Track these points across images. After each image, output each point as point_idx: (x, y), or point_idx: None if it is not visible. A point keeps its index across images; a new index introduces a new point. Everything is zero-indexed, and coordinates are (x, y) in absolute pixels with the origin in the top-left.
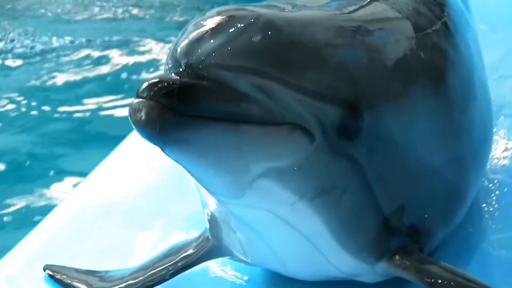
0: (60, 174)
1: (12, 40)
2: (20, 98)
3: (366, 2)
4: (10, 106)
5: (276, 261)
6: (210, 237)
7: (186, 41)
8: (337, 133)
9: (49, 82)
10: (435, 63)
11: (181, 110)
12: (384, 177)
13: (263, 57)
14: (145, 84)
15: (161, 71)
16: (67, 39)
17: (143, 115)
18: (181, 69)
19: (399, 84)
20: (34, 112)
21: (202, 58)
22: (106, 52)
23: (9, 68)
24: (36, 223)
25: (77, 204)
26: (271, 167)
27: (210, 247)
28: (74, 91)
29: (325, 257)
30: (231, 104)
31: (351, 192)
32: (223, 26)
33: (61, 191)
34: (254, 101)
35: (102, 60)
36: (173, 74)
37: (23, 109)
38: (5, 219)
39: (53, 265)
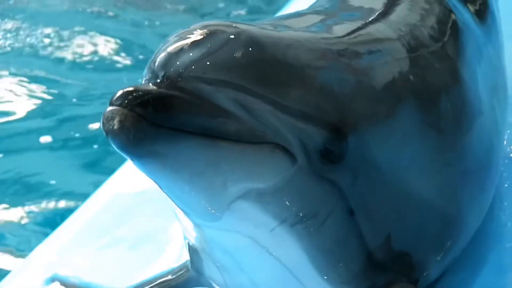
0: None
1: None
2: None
3: (359, 22)
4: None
5: None
6: (190, 267)
7: (166, 52)
8: (320, 156)
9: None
10: (427, 87)
11: (157, 121)
12: (369, 205)
13: (244, 72)
14: (120, 92)
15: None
16: None
17: (116, 123)
18: (158, 80)
19: (386, 108)
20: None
21: (181, 70)
22: None
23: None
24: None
25: (113, 191)
26: (250, 188)
27: (189, 277)
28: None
29: None
30: (209, 118)
31: (334, 219)
32: (205, 39)
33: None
34: (234, 117)
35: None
36: (150, 85)
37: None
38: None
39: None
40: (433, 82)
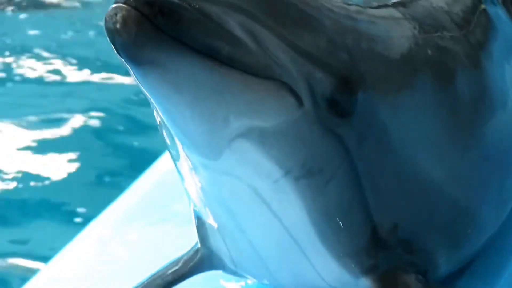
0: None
1: None
2: None
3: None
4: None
5: (260, 266)
6: (199, 245)
7: None
8: (327, 104)
9: None
10: (448, 68)
11: (162, 26)
12: (376, 174)
13: (259, 1)
14: None
15: None
16: None
17: (118, 20)
18: None
19: (402, 76)
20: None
21: None
22: None
23: None
24: None
25: (167, 166)
26: (253, 126)
27: (200, 258)
28: None
29: (307, 257)
30: (217, 40)
31: (339, 181)
32: None
33: None
34: (243, 45)
35: None
36: None
37: None
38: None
39: None
40: (456, 65)
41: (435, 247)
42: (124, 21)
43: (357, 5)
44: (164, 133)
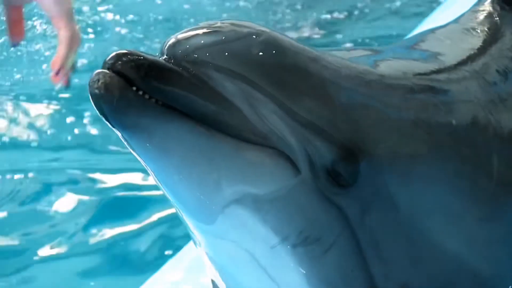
0: None
1: None
2: None
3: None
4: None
5: None
6: None
7: (179, 36)
8: (326, 174)
9: None
10: (469, 136)
11: (147, 90)
12: (380, 243)
13: (258, 68)
14: (113, 54)
15: None
16: None
17: (100, 85)
18: (163, 57)
19: (407, 142)
20: None
21: (189, 51)
22: None
23: None
24: None
25: None
26: (247, 193)
27: None
28: None
29: None
30: (208, 104)
31: (338, 250)
32: (223, 30)
33: None
34: (236, 110)
35: None
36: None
37: None
38: None
39: None
40: (478, 136)
41: None
42: (106, 87)
43: (363, 64)
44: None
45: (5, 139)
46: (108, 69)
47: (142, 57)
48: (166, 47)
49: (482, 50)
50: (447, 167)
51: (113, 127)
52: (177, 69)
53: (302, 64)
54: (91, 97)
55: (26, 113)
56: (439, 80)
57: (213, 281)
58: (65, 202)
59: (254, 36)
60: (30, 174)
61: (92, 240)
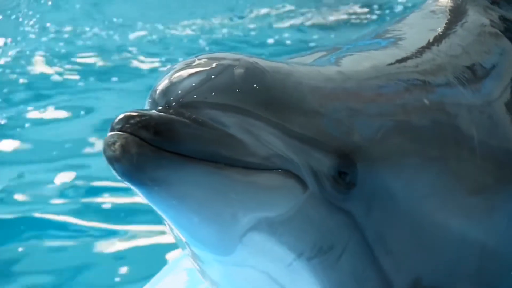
0: None
1: None
2: None
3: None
4: None
5: None
6: None
7: (166, 80)
8: (330, 182)
9: None
10: (452, 129)
11: (159, 145)
12: (386, 238)
13: (246, 96)
14: (121, 116)
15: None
16: None
17: (117, 148)
18: (160, 107)
19: (398, 138)
20: None
21: (182, 95)
22: None
23: None
24: None
25: None
26: (262, 218)
27: None
28: None
29: None
30: (214, 143)
31: (350, 253)
32: (205, 67)
33: None
34: (239, 142)
35: None
36: (152, 111)
37: None
38: None
39: None
40: (460, 129)
41: None
42: (123, 149)
43: (337, 68)
44: (173, 234)
45: None
46: (119, 131)
47: (148, 116)
48: (158, 95)
49: (450, 32)
50: (433, 151)
51: (132, 185)
52: (180, 119)
53: (284, 82)
54: (109, 159)
55: None
56: (414, 72)
57: None
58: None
59: (233, 66)
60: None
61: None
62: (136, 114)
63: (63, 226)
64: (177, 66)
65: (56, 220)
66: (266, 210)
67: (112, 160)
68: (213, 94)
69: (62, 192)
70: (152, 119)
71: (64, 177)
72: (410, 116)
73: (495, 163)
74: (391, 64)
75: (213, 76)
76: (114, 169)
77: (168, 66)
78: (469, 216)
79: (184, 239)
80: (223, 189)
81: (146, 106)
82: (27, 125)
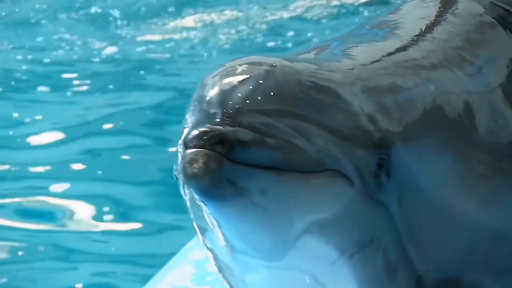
0: None
1: None
2: None
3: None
4: None
5: None
6: None
7: (216, 90)
8: (372, 176)
9: None
10: (480, 119)
11: (236, 158)
12: (414, 227)
13: (295, 100)
14: (194, 133)
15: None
16: None
17: (200, 165)
18: (218, 118)
19: (424, 126)
20: None
21: (239, 105)
22: None
23: None
24: None
25: None
26: (315, 220)
27: None
28: None
29: None
30: (275, 150)
31: (385, 246)
32: (248, 74)
33: None
34: (295, 147)
35: None
36: (216, 121)
37: None
38: None
39: None
40: (488, 119)
41: (478, 280)
42: (207, 165)
43: (374, 63)
44: (208, 245)
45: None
46: (195, 147)
47: (218, 131)
48: (211, 106)
49: (450, 21)
50: (452, 133)
51: (211, 201)
52: (248, 131)
53: (321, 81)
54: (190, 177)
55: None
56: (432, 63)
57: None
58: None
59: (274, 71)
60: None
61: None
62: (208, 129)
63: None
64: (220, 74)
65: None
66: (320, 212)
67: (193, 178)
68: (264, 101)
69: None
70: (225, 133)
71: None
72: (431, 103)
73: (507, 148)
74: (409, 55)
75: (260, 83)
76: (193, 186)
77: (210, 75)
78: (484, 202)
79: (234, 249)
80: (284, 195)
81: (192, 115)
82: None
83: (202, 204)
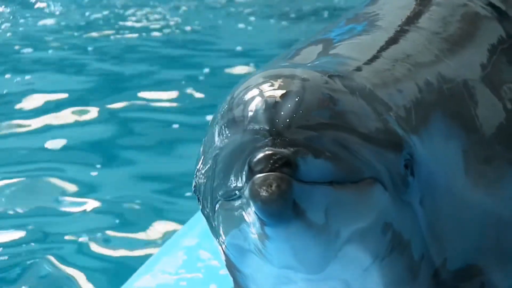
0: None
1: None
2: None
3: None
4: None
5: None
6: None
7: (259, 108)
8: (401, 178)
9: None
10: (480, 108)
11: (301, 177)
12: (433, 222)
13: (334, 112)
14: (259, 156)
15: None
16: None
17: (274, 189)
18: (269, 138)
19: (434, 124)
20: None
21: (287, 122)
22: None
23: None
24: None
25: None
26: (356, 230)
27: None
28: None
29: None
30: (331, 164)
31: (410, 247)
32: (286, 88)
33: None
34: (339, 158)
35: None
36: (267, 143)
37: None
38: None
39: None
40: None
41: (485, 267)
42: (280, 188)
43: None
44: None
45: None
46: (262, 171)
47: (280, 153)
48: (259, 125)
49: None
50: (461, 128)
51: (278, 223)
52: (305, 150)
53: (349, 88)
54: (264, 202)
55: None
56: (442, 58)
57: None
58: None
59: (308, 83)
60: None
61: None
62: (272, 152)
63: None
64: (254, 89)
65: None
66: (363, 220)
67: (267, 201)
68: (308, 116)
69: None
70: (287, 154)
71: None
72: (437, 97)
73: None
74: (409, 50)
75: (299, 98)
76: (264, 209)
77: (243, 90)
78: (493, 189)
79: (277, 265)
80: (334, 207)
81: (234, 133)
82: None
83: (257, 225)
